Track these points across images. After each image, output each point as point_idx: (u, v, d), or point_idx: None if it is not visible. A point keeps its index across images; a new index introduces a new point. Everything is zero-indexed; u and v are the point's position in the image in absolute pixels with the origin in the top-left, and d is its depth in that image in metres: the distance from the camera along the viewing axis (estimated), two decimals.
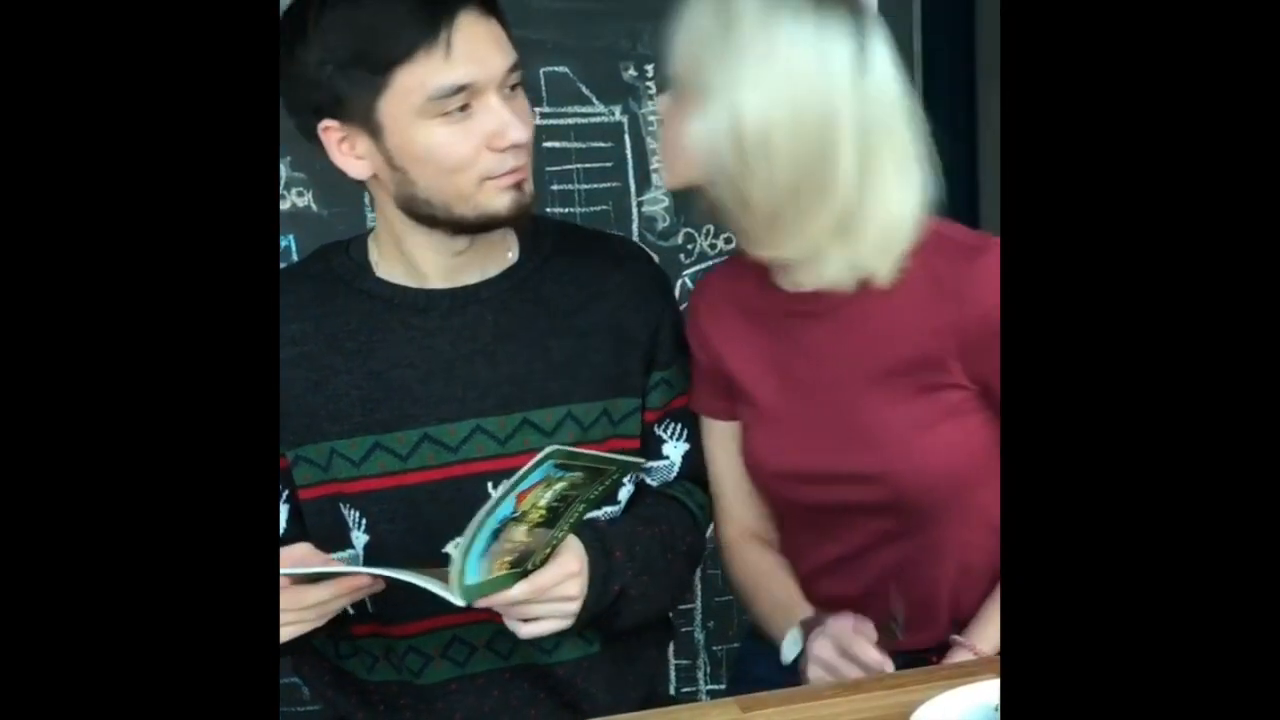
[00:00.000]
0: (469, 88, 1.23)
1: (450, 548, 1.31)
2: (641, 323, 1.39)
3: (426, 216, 1.29)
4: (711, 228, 2.21)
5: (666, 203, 2.19)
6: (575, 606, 1.23)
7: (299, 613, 1.18)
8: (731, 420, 1.42)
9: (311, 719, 2.04)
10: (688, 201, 2.16)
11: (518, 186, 1.28)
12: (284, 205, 2.08)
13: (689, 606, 2.30)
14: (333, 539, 1.33)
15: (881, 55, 1.23)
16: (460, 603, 1.14)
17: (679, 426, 1.44)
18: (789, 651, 1.35)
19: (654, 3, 2.14)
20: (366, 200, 2.10)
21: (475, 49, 1.23)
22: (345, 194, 2.05)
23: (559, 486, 1.15)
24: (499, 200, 1.27)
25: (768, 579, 1.44)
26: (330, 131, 1.27)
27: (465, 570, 1.13)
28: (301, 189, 2.07)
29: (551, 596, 1.21)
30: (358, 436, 1.32)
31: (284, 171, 2.06)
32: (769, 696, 1.20)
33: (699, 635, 2.32)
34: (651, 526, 1.37)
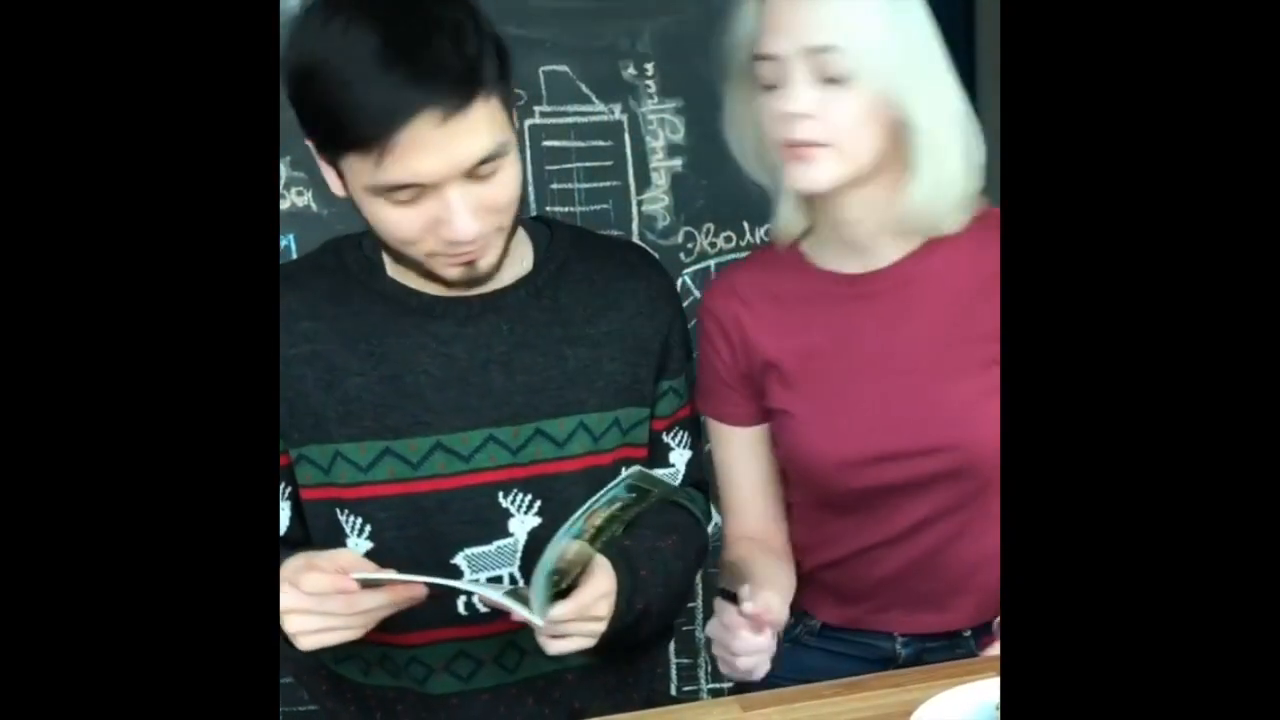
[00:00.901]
0: (413, 186, 1.17)
1: (460, 559, 1.31)
2: (653, 331, 1.37)
3: (390, 254, 1.28)
4: (711, 226, 2.21)
5: (666, 201, 2.19)
6: (602, 627, 1.21)
7: (350, 618, 1.16)
8: (756, 425, 1.42)
9: (311, 719, 2.04)
10: (688, 200, 2.18)
11: (469, 263, 1.24)
12: (283, 204, 2.08)
13: (689, 605, 2.30)
14: (329, 544, 1.31)
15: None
16: (540, 622, 1.15)
17: (684, 434, 1.43)
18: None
19: (653, 1, 2.15)
20: None
21: (423, 154, 1.14)
22: None
23: (615, 508, 1.15)
24: (447, 271, 1.25)
25: (752, 554, 1.43)
26: (312, 146, 1.23)
27: (541, 589, 1.14)
28: (301, 188, 2.07)
29: (584, 616, 1.19)
30: (367, 440, 1.29)
31: (283, 171, 2.05)
32: (769, 695, 1.20)
33: (700, 634, 2.32)
34: (667, 538, 1.36)
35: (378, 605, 1.17)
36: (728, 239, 2.21)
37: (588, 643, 1.21)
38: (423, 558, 1.29)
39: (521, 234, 1.36)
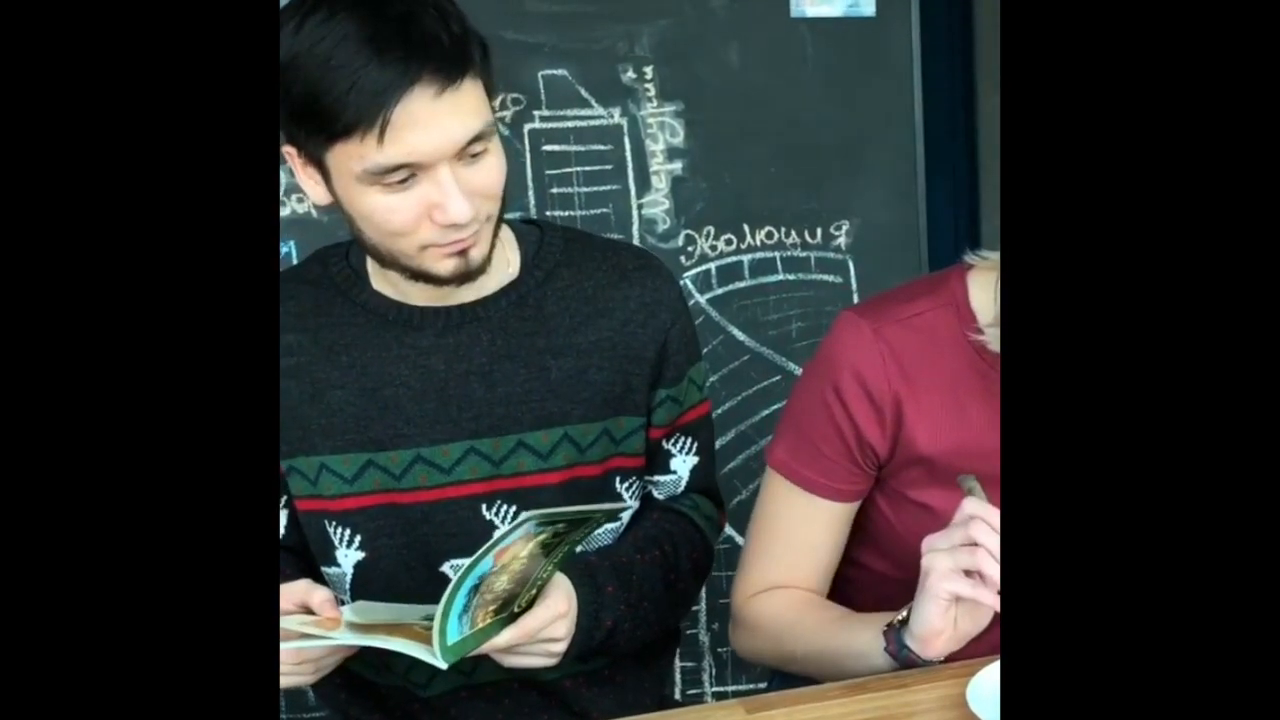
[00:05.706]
0: (409, 165, 1.16)
1: (447, 568, 1.31)
2: (648, 339, 1.33)
3: (378, 258, 1.26)
4: (712, 229, 2.21)
5: (667, 205, 2.19)
6: (561, 648, 1.19)
7: (296, 666, 1.18)
8: (856, 501, 1.30)
9: None
10: (688, 203, 2.18)
11: (462, 254, 1.22)
12: (284, 211, 2.08)
13: (693, 609, 2.29)
14: (321, 553, 1.33)
15: None
16: (442, 665, 1.09)
17: (688, 440, 1.40)
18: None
19: (651, 5, 2.15)
20: None
21: (419, 130, 1.15)
22: None
23: (541, 538, 1.11)
24: (441, 265, 1.23)
25: (810, 608, 1.30)
26: (291, 155, 1.23)
27: (445, 631, 1.09)
28: (301, 195, 2.07)
29: (538, 639, 1.17)
30: (351, 453, 1.30)
31: (284, 178, 2.05)
32: (774, 698, 1.20)
33: (704, 637, 2.32)
34: (651, 549, 1.34)
35: (321, 656, 1.18)
36: (728, 241, 2.22)
37: (548, 662, 1.20)
38: (413, 566, 1.30)
39: (510, 237, 1.34)
